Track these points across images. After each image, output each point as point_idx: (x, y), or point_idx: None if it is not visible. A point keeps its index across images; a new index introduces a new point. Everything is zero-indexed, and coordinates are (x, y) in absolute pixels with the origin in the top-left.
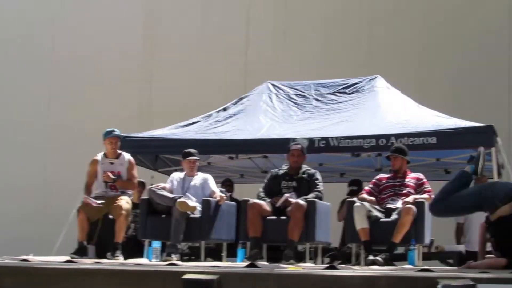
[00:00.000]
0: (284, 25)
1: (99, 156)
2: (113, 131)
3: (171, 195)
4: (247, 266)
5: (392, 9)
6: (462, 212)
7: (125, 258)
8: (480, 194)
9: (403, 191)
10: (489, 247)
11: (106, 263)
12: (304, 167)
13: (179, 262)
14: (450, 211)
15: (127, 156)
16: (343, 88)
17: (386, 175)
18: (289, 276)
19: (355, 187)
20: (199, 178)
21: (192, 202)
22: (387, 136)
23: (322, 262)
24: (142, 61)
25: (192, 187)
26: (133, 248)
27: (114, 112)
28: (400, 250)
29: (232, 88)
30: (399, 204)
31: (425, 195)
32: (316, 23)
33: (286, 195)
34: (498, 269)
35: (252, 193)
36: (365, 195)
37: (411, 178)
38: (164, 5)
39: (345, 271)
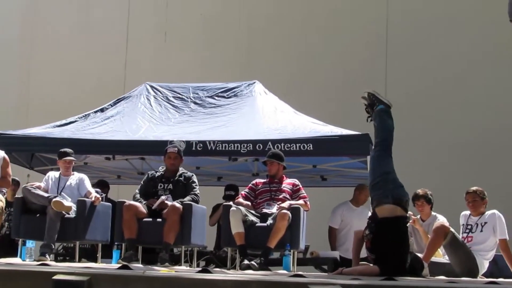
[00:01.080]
0: (164, 26)
1: None
2: None
3: (46, 195)
4: (119, 267)
5: (272, 14)
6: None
7: None
8: (389, 178)
9: (279, 197)
10: (363, 253)
11: None
12: (181, 170)
13: (52, 263)
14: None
15: (1, 153)
16: (221, 92)
17: (263, 180)
18: (160, 279)
19: (232, 192)
20: (74, 178)
21: (68, 202)
22: (264, 142)
23: (198, 266)
24: (20, 57)
25: (68, 187)
26: (7, 247)
27: None
28: (275, 255)
29: (111, 88)
30: (274, 209)
31: (301, 201)
32: (197, 25)
33: (162, 197)
34: (371, 276)
35: (128, 194)
36: (241, 200)
37: (287, 183)
38: (44, 2)
39: (217, 275)
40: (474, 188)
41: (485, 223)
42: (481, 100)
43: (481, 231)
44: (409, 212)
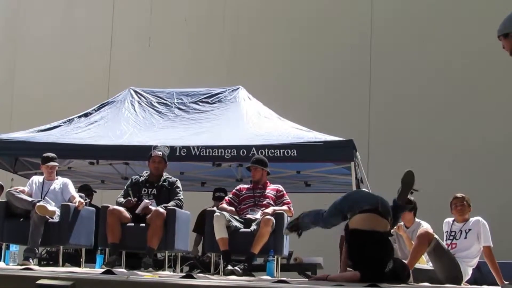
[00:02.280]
0: (149, 31)
1: None
2: None
3: (30, 199)
4: (103, 272)
5: (256, 19)
6: (331, 219)
7: None
8: (345, 199)
9: (263, 202)
10: None
11: None
12: (165, 175)
13: (36, 267)
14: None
15: None
16: (205, 98)
17: (246, 186)
18: (144, 284)
19: (223, 194)
20: (58, 182)
21: (51, 206)
22: (248, 147)
23: (181, 271)
24: (3, 61)
25: (52, 192)
26: None
27: None
28: (259, 260)
29: (95, 92)
30: (258, 215)
31: (284, 207)
32: (181, 30)
33: (146, 201)
34: (353, 282)
35: (112, 199)
36: (225, 205)
37: (271, 189)
38: (28, 4)
39: (201, 280)
40: (462, 194)
41: (469, 230)
42: (466, 103)
43: (465, 238)
44: None
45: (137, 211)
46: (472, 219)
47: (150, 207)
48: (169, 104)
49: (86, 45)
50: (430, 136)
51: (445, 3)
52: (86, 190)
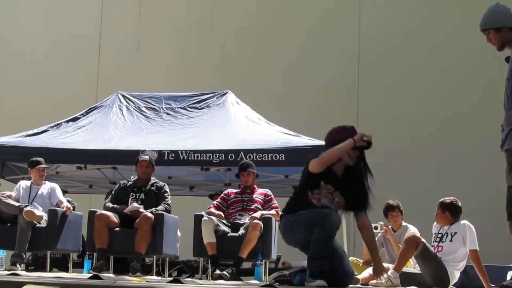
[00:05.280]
0: (137, 34)
1: None
2: None
3: (17, 204)
4: (90, 277)
5: (244, 23)
6: None
7: None
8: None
9: (251, 207)
10: None
11: None
12: (153, 180)
13: (23, 272)
14: None
15: None
16: (194, 103)
17: (235, 190)
18: None
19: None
20: (46, 187)
21: (39, 211)
22: (237, 152)
23: (170, 275)
24: None
25: (39, 196)
26: None
27: None
28: (247, 265)
29: (84, 97)
30: (246, 219)
31: (273, 211)
32: (169, 35)
33: (134, 204)
34: None
35: (100, 204)
36: (212, 210)
37: (259, 194)
38: (17, 9)
39: (189, 285)
40: (444, 198)
41: (455, 233)
42: (451, 118)
43: (451, 241)
44: (380, 222)
45: (125, 210)
46: (458, 223)
47: (140, 210)
48: (157, 109)
49: (75, 50)
50: (418, 142)
51: (433, 18)
52: None
